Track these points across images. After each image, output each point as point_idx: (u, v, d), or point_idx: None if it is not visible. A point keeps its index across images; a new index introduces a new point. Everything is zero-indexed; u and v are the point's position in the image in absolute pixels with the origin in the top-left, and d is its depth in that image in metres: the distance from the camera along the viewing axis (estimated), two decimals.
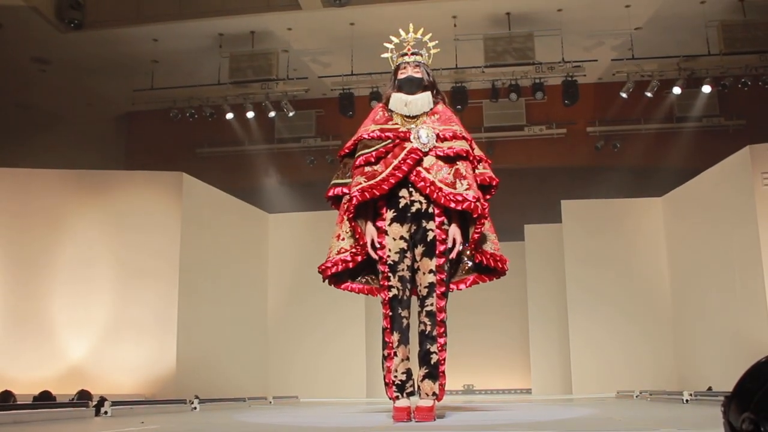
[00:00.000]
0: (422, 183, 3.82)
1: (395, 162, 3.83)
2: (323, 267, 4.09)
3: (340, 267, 4.05)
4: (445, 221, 3.86)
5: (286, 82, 11.94)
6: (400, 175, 3.81)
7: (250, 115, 12.51)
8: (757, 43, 10.81)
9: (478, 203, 3.78)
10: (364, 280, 4.25)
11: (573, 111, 12.56)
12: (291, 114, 12.39)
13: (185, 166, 10.04)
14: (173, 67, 12.31)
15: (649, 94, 11.72)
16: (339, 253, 4.06)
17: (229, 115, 12.53)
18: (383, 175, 3.82)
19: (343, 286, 4.25)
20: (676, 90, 11.64)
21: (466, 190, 3.79)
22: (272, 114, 12.48)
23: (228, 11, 10.94)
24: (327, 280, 4.19)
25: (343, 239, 4.08)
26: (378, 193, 3.81)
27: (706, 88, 11.63)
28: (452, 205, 3.77)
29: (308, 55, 12.09)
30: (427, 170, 3.84)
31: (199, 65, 12.29)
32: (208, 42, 11.67)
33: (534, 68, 11.39)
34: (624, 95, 11.79)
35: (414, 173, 3.83)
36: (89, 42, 11.34)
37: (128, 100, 12.81)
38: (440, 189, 3.79)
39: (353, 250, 4.03)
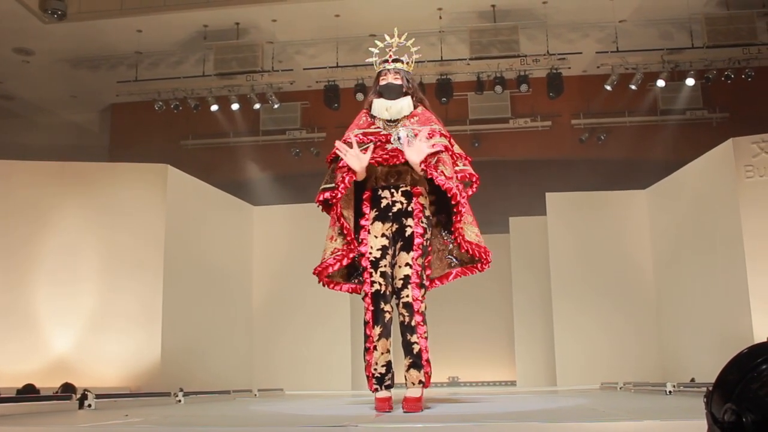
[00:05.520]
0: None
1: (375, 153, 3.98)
2: (318, 270, 4.13)
3: (331, 269, 4.10)
4: (424, 209, 4.01)
5: (271, 74, 11.88)
6: (380, 160, 3.96)
7: (235, 107, 12.45)
8: (740, 36, 10.86)
9: (456, 191, 3.89)
10: (355, 281, 4.31)
11: (558, 103, 12.60)
12: (276, 106, 12.36)
13: (170, 158, 9.97)
14: (157, 59, 12.25)
15: (633, 87, 11.76)
16: (333, 253, 4.10)
17: (214, 107, 12.47)
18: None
19: (336, 287, 4.30)
20: (660, 83, 11.69)
21: (448, 176, 3.90)
22: (257, 106, 12.44)
23: (212, 2, 10.87)
24: (322, 282, 4.23)
25: (336, 240, 4.13)
26: (362, 174, 3.95)
27: (690, 81, 11.69)
28: (435, 175, 3.86)
29: (293, 46, 12.04)
30: None
31: (184, 57, 12.23)
32: (192, 33, 11.60)
33: (519, 61, 11.40)
34: (608, 88, 11.84)
35: (400, 158, 3.95)
36: (73, 33, 11.24)
37: (112, 91, 12.74)
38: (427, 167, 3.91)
39: (342, 251, 4.07)
